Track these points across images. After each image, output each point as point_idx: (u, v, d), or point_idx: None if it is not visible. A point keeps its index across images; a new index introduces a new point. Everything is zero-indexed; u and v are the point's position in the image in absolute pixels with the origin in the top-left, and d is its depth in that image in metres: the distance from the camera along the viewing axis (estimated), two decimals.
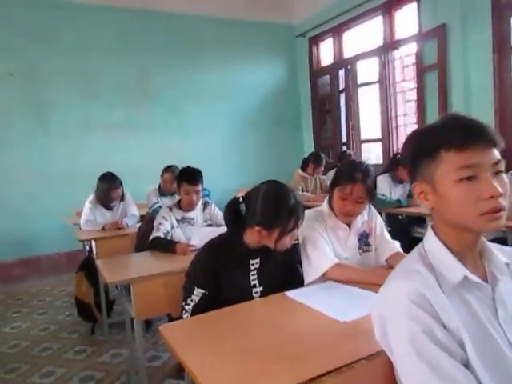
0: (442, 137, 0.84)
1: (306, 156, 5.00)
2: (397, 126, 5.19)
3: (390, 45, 5.05)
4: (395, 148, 5.20)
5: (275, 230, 1.46)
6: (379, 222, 1.80)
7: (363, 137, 5.68)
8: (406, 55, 4.99)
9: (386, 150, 5.22)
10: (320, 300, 1.34)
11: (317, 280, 1.59)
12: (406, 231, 3.24)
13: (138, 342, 2.00)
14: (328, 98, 6.16)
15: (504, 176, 0.83)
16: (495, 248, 0.94)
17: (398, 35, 4.99)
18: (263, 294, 1.57)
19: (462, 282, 0.84)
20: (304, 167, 4.51)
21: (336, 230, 1.71)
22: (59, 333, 3.17)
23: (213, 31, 5.83)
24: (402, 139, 5.17)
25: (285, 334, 1.17)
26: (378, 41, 5.22)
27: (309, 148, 6.54)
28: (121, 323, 2.95)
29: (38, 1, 4.71)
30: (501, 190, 0.79)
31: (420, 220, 3.17)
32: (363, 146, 5.73)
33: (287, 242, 1.50)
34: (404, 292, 0.83)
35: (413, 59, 4.79)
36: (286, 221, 1.46)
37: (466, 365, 0.79)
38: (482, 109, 4.07)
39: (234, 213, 1.55)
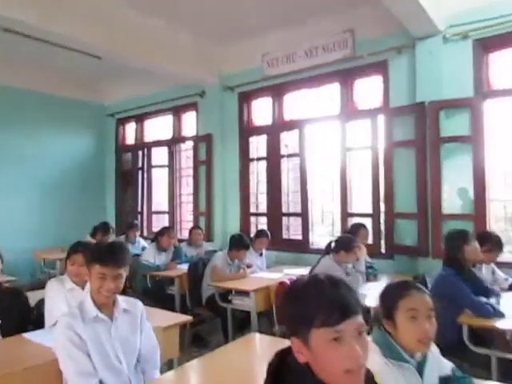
0: None
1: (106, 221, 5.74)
2: (181, 203, 6.48)
3: (178, 139, 6.44)
4: (179, 219, 6.44)
5: None
6: None
7: (154, 208, 6.82)
8: (189, 148, 6.41)
9: (172, 221, 6.39)
10: (41, 336, 2.17)
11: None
12: (162, 288, 4.31)
13: None
14: (130, 173, 7.14)
15: None
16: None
17: (184, 133, 6.42)
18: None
19: (95, 318, 1.81)
20: (93, 234, 5.22)
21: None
22: None
23: (23, 102, 6.27)
24: (185, 212, 6.47)
25: (13, 356, 1.96)
26: (168, 134, 6.56)
27: (111, 213, 7.29)
28: None
29: None
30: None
31: (171, 281, 4.27)
32: (155, 216, 6.84)
33: None
34: (63, 323, 1.76)
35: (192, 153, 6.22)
36: None
37: (90, 356, 1.74)
38: (232, 198, 5.65)
39: None
